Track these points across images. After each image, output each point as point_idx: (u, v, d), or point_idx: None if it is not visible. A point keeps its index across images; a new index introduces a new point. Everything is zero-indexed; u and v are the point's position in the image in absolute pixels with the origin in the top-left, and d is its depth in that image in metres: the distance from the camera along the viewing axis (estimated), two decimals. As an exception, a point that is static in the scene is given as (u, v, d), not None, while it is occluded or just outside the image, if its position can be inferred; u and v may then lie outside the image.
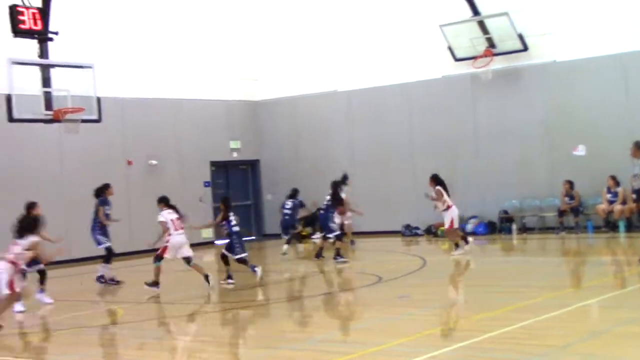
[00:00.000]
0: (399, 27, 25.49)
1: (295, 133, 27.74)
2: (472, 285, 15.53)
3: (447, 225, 19.38)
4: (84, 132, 20.70)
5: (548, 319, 10.67)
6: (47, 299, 15.49)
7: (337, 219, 20.38)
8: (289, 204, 22.29)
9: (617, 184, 21.40)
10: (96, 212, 18.07)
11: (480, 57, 23.79)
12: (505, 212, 23.86)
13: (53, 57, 19.52)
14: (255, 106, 28.63)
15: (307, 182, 25.01)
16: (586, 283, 15.31)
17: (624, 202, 21.22)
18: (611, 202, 21.60)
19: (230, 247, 16.71)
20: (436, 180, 19.45)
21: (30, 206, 15.78)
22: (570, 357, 8.69)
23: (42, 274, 15.41)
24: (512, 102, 23.76)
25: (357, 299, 14.84)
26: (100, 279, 17.98)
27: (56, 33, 19.39)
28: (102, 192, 18.31)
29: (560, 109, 22.92)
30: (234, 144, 28.21)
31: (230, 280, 16.44)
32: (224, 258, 16.74)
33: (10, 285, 12.42)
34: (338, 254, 19.31)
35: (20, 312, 14.17)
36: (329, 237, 20.07)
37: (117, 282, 18.01)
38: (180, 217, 16.32)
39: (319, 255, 20.06)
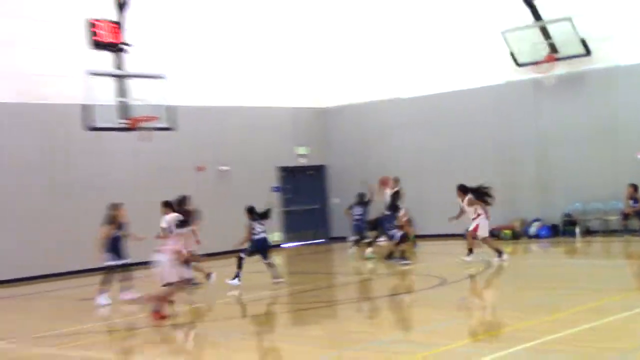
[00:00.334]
0: (461, 34, 25.33)
1: (361, 139, 27.72)
2: (535, 288, 15.31)
3: (471, 228, 18.73)
4: (157, 139, 21.01)
5: (613, 321, 10.51)
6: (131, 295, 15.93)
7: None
8: (359, 209, 22.31)
9: (683, 187, 21.08)
10: None
11: (543, 62, 23.51)
12: (569, 215, 23.54)
13: (128, 69, 19.83)
14: (322, 113, 28.69)
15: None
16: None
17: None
18: (676, 206, 21.27)
19: (251, 253, 16.99)
20: (464, 190, 18.82)
21: (182, 201, 15.70)
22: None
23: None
24: (575, 107, 23.43)
25: (421, 300, 14.74)
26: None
27: (131, 45, 19.69)
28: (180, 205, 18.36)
29: (624, 113, 22.53)
30: (301, 150, 28.30)
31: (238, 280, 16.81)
32: (240, 260, 17.02)
33: (174, 274, 12.94)
34: (402, 257, 19.20)
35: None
36: (393, 240, 19.86)
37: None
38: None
39: (389, 257, 19.74)
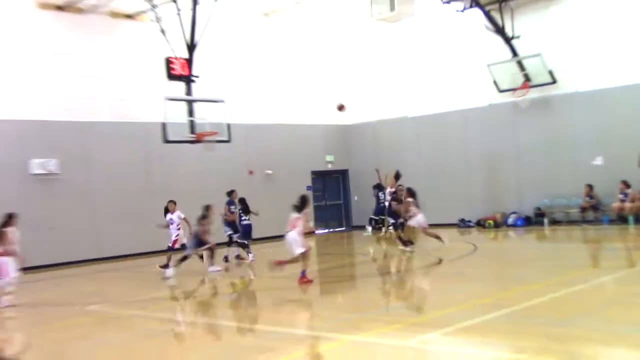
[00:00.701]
0: (455, 67, 25.30)
1: (376, 148, 27.71)
2: (513, 265, 15.34)
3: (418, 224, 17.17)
4: (218, 151, 21.14)
5: (574, 292, 10.53)
6: (217, 268, 16.40)
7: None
8: (381, 195, 22.42)
9: (628, 186, 20.89)
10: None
11: (519, 89, 23.41)
12: (539, 208, 23.42)
13: (195, 95, 20.01)
14: (345, 129, 28.72)
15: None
16: (603, 264, 14.99)
17: (632, 201, 20.79)
18: (622, 201, 21.07)
19: (244, 237, 17.82)
20: (410, 192, 17.56)
21: (305, 200, 15.46)
22: (593, 321, 8.57)
23: (211, 251, 16.41)
24: (544, 124, 23.29)
25: (424, 275, 14.79)
26: (237, 257, 18.51)
27: (197, 77, 19.87)
28: (229, 195, 18.71)
29: (582, 129, 22.37)
30: (329, 158, 28.34)
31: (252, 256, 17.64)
32: (242, 244, 17.91)
33: (300, 245, 13.40)
34: (408, 241, 18.27)
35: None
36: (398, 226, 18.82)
37: (243, 259, 18.36)
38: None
39: (404, 242, 18.40)
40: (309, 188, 27.31)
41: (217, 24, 21.99)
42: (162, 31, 19.67)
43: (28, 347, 9.93)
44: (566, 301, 9.90)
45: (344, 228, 28.44)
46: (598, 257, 16.55)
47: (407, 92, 26.83)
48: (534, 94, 23.38)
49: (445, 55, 25.58)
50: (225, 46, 24.69)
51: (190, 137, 19.30)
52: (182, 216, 17.43)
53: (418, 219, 17.11)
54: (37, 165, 20.32)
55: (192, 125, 19.36)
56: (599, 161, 21.92)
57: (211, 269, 16.32)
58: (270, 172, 25.96)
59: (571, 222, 22.51)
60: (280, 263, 13.76)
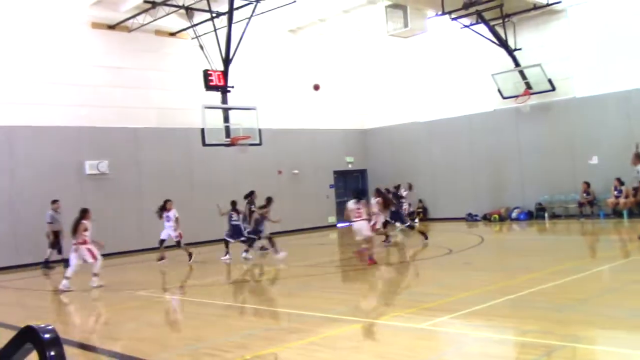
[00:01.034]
0: (463, 76, 25.17)
1: (391, 150, 27.61)
2: (516, 255, 15.13)
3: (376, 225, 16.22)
4: (250, 152, 21.18)
5: (573, 280, 10.32)
6: (282, 254, 16.42)
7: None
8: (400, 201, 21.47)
9: (622, 183, 20.64)
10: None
11: (521, 96, 23.24)
12: (540, 204, 23.16)
13: (230, 103, 20.03)
14: (364, 132, 28.63)
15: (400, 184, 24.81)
16: (600, 254, 14.71)
17: (626, 197, 20.54)
18: (617, 197, 20.82)
19: (231, 236, 17.26)
20: (378, 192, 17.26)
21: (360, 193, 15.34)
22: (591, 307, 8.37)
23: (271, 239, 16.84)
24: (544, 128, 23.10)
25: (435, 264, 14.63)
26: (262, 249, 18.34)
27: (232, 87, 19.88)
28: (249, 196, 18.41)
29: (579, 132, 22.16)
30: (349, 159, 28.25)
31: (228, 257, 16.95)
32: (226, 242, 17.33)
33: (368, 230, 14.13)
34: (422, 233, 18.18)
35: None
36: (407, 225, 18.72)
37: (266, 249, 18.00)
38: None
39: (423, 234, 18.11)
40: (331, 186, 27.26)
41: (250, 40, 21.99)
42: (201, 47, 19.78)
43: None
44: (567, 288, 9.70)
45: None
46: (595, 248, 16.25)
47: (419, 99, 26.67)
48: (534, 100, 23.20)
49: (453, 66, 25.42)
50: (256, 60, 24.70)
51: (226, 141, 19.33)
52: (177, 215, 17.41)
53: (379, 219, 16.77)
54: (90, 166, 20.51)
55: (227, 130, 19.37)
56: (595, 160, 21.76)
57: (278, 255, 16.39)
58: (296, 171, 25.92)
59: (570, 216, 22.26)
60: (361, 252, 14.10)
